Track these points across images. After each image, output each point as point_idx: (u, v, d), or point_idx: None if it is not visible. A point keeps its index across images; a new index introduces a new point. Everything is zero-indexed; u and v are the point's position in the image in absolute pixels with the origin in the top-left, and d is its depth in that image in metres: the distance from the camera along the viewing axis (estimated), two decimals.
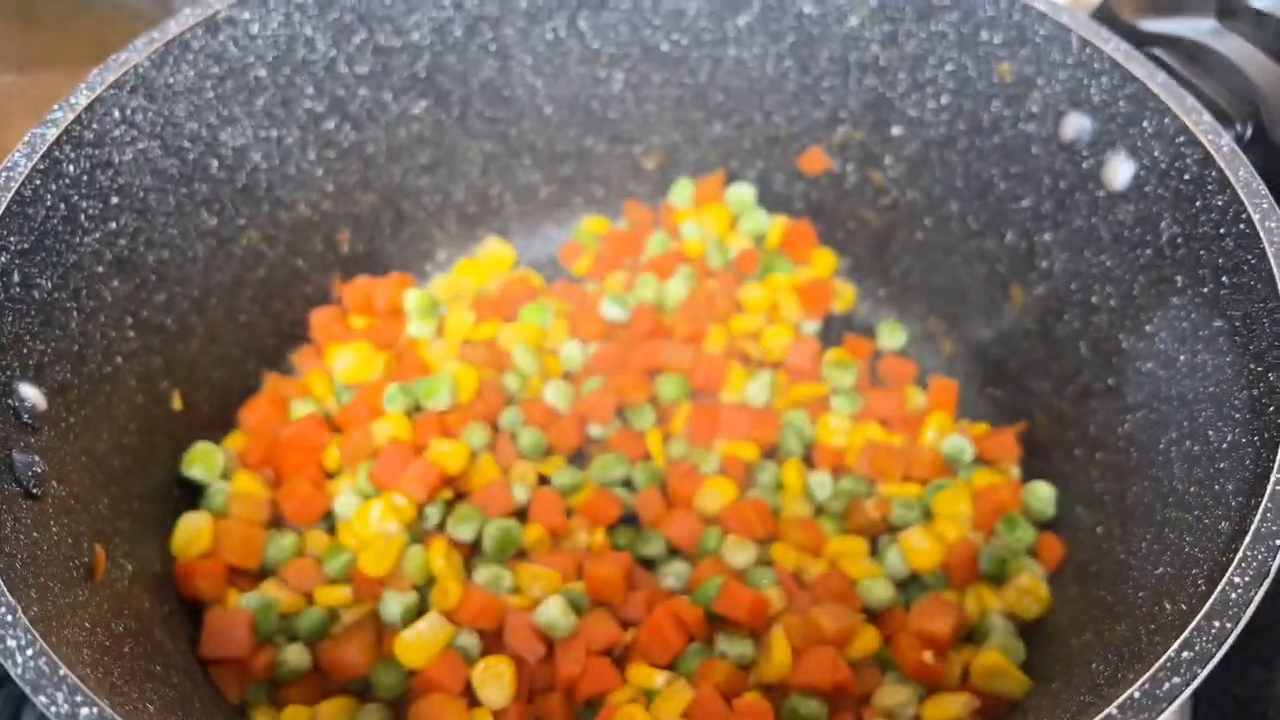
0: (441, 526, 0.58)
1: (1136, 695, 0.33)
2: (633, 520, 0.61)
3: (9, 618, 0.34)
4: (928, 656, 0.51)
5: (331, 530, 0.58)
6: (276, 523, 0.58)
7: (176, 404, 0.58)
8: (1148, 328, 0.53)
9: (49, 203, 0.48)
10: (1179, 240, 0.51)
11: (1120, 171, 0.54)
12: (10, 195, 0.46)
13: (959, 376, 0.67)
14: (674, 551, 0.59)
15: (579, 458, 0.64)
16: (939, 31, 0.61)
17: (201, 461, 0.57)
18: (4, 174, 0.47)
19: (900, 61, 0.63)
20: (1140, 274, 0.53)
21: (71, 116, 0.50)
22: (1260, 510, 0.37)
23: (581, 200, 0.76)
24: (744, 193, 0.72)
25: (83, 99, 0.50)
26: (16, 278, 0.46)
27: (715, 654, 0.52)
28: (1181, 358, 0.50)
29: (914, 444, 0.61)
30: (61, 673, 0.33)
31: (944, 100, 0.63)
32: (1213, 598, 0.35)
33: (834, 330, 0.71)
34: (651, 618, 0.53)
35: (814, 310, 0.69)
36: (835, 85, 0.67)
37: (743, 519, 0.57)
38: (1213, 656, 0.33)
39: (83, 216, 0.50)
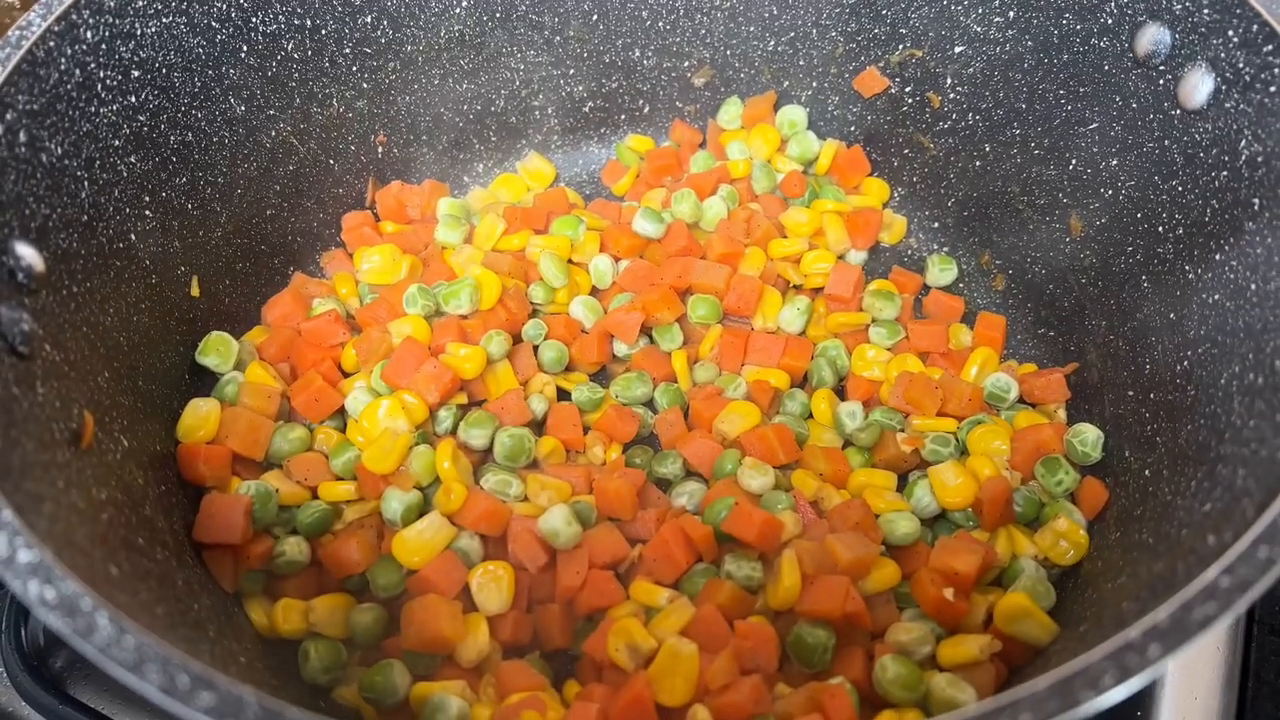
0: (454, 432, 0.56)
1: (1163, 621, 0.29)
2: (651, 441, 0.59)
3: None
4: (948, 594, 0.48)
5: (342, 429, 0.56)
6: (287, 417, 0.56)
7: (195, 291, 0.57)
8: (1218, 256, 0.48)
9: (63, 67, 0.47)
10: (1259, 159, 0.46)
11: (1199, 88, 0.49)
12: (21, 53, 0.45)
13: (1010, 315, 0.63)
14: (691, 474, 0.56)
15: (602, 375, 0.62)
16: None
17: (216, 350, 0.56)
18: (17, 32, 0.46)
19: None
20: (1214, 199, 0.49)
21: None
22: None
23: (626, 117, 0.73)
24: (795, 115, 0.69)
25: None
26: (23, 137, 0.45)
27: (722, 575, 0.49)
28: (1253, 286, 0.45)
29: (954, 379, 0.57)
30: (5, 515, 0.31)
31: (1011, 14, 0.58)
32: (1261, 524, 0.31)
33: (882, 262, 0.68)
34: (659, 534, 0.50)
35: (861, 240, 0.65)
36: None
37: (764, 444, 0.54)
38: (1254, 584, 0.30)
39: (99, 86, 0.49)
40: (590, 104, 0.72)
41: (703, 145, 0.71)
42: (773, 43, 0.68)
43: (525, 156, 0.72)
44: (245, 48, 0.57)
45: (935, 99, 0.64)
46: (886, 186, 0.69)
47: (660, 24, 0.69)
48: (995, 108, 0.61)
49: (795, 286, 0.64)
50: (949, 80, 0.63)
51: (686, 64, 0.70)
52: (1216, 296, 0.48)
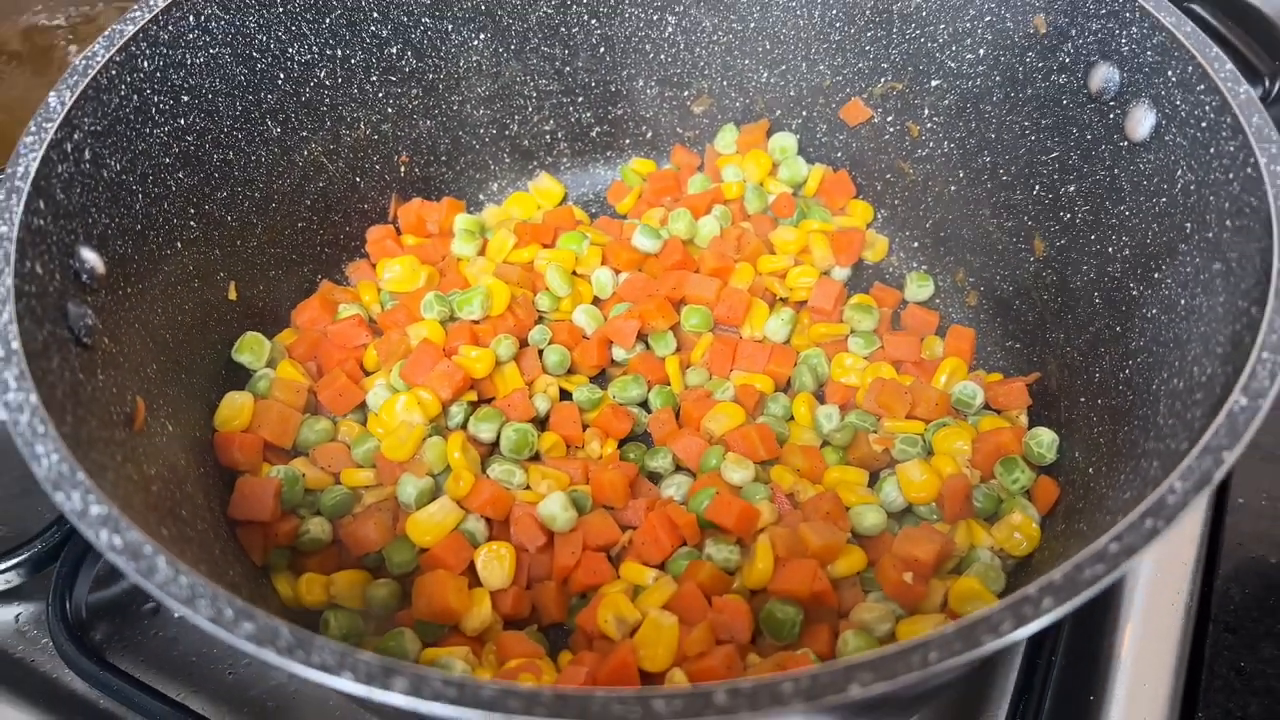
0: (464, 426, 0.61)
1: (1057, 579, 0.34)
2: (645, 438, 0.64)
3: (40, 429, 0.38)
4: (907, 577, 0.53)
5: (363, 422, 0.62)
6: (314, 409, 0.62)
7: (232, 294, 0.63)
8: (1156, 275, 0.53)
9: (123, 92, 0.53)
10: (1191, 187, 0.51)
11: (1143, 122, 0.54)
12: (87, 80, 0.51)
13: (981, 328, 0.68)
14: (680, 468, 0.61)
15: (601, 377, 0.67)
16: None
17: (250, 349, 0.62)
18: (84, 61, 0.51)
19: (940, 12, 0.65)
20: (1154, 223, 0.54)
21: (149, 16, 0.54)
22: (1214, 427, 0.38)
23: (631, 141, 0.79)
24: (786, 141, 0.74)
25: (160, 1, 0.55)
26: (88, 155, 0.51)
27: (703, 557, 0.55)
28: (1182, 301, 0.50)
29: (924, 385, 0.63)
30: (79, 476, 0.37)
31: (981, 52, 0.64)
32: (1150, 499, 0.36)
33: (865, 279, 0.73)
34: (647, 520, 0.56)
35: (844, 257, 0.71)
36: (878, 36, 0.68)
37: (746, 441, 0.59)
38: (1138, 549, 0.35)
39: (154, 110, 0.55)
40: (597, 129, 0.78)
41: (700, 168, 0.77)
42: (766, 75, 0.74)
43: (537, 177, 0.78)
44: (282, 75, 0.63)
45: (914, 128, 0.70)
46: (870, 208, 0.74)
47: (662, 56, 0.74)
48: (968, 137, 0.66)
49: (781, 299, 0.69)
50: (926, 111, 0.68)
51: (686, 93, 0.76)
52: (1154, 311, 0.53)
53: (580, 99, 0.76)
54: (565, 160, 0.79)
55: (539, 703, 0.31)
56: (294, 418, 0.59)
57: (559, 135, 0.77)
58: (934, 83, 0.67)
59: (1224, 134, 0.49)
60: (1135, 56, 0.55)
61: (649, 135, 0.78)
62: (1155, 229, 0.54)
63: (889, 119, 0.71)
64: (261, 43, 0.61)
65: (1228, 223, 0.48)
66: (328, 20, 0.64)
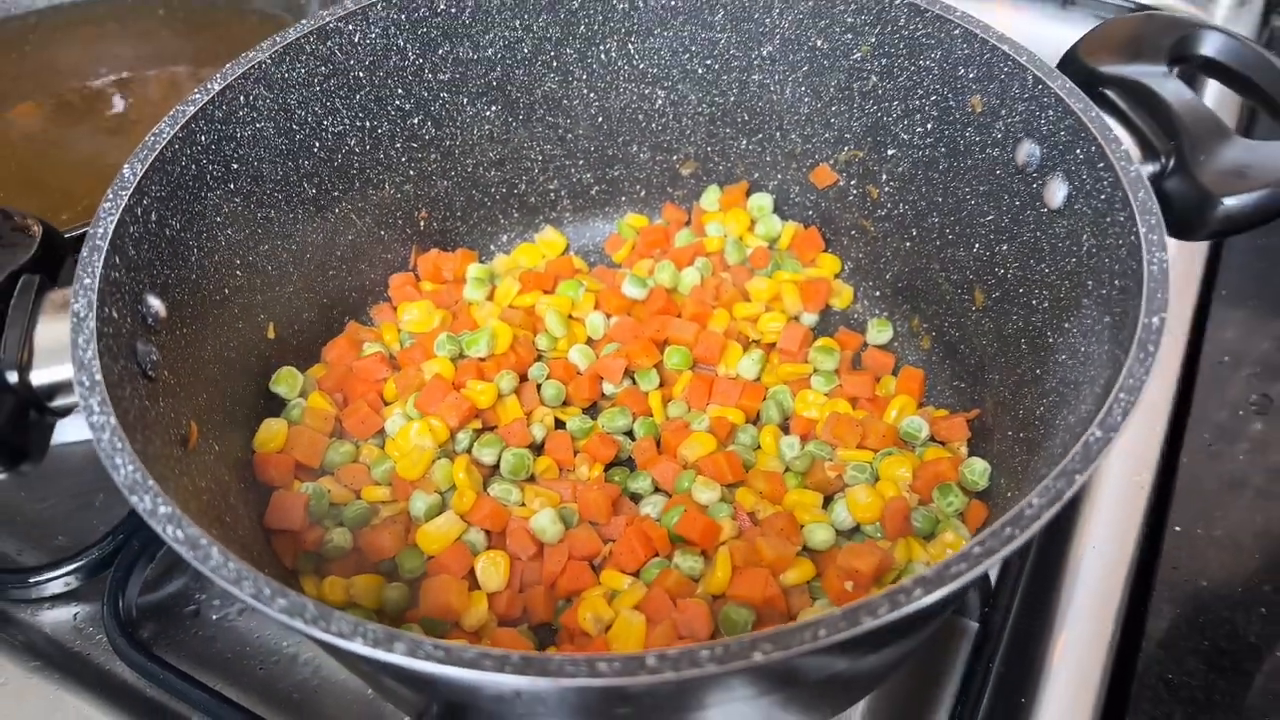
0: (469, 450, 0.70)
1: (929, 575, 0.42)
2: (629, 463, 0.72)
3: (119, 445, 0.47)
4: (849, 586, 0.61)
5: (381, 445, 0.71)
6: (339, 434, 0.71)
7: (271, 334, 0.72)
8: (1066, 324, 0.61)
9: (183, 163, 0.62)
10: (1093, 250, 0.59)
11: (1058, 192, 0.63)
12: (155, 154, 0.60)
13: (932, 369, 0.76)
14: (658, 490, 0.70)
15: (592, 409, 0.76)
16: (925, 66, 0.71)
17: (286, 382, 0.71)
18: (154, 138, 0.61)
19: (894, 91, 0.73)
20: (1066, 279, 0.62)
21: (206, 98, 0.64)
22: (1071, 453, 0.46)
23: (626, 199, 0.88)
24: (763, 201, 0.83)
25: (216, 85, 0.65)
26: (154, 217, 0.60)
27: (671, 566, 0.63)
28: (1082, 349, 0.58)
29: (875, 419, 0.71)
30: (150, 483, 0.46)
31: (929, 126, 0.72)
32: (1010, 513, 0.44)
33: (831, 324, 0.81)
34: (625, 533, 0.64)
35: (812, 304, 0.79)
36: (841, 110, 0.77)
37: (716, 466, 0.68)
38: (997, 551, 0.43)
39: (208, 176, 0.65)
40: (596, 188, 0.87)
41: (688, 223, 0.86)
42: (745, 142, 0.83)
43: (542, 230, 0.87)
44: (317, 144, 0.73)
45: (874, 191, 0.78)
46: (838, 261, 0.82)
47: (654, 125, 0.83)
48: (919, 200, 0.75)
49: (754, 341, 0.78)
50: (884, 176, 0.77)
51: (675, 157, 0.85)
52: (1063, 357, 0.61)
53: (581, 162, 0.85)
54: (568, 215, 0.88)
55: (508, 662, 0.39)
56: (322, 441, 0.68)
57: (562, 193, 0.87)
58: (890, 152, 0.76)
59: (1117, 205, 0.57)
60: (1052, 135, 0.63)
61: (642, 194, 0.87)
62: (1066, 285, 0.62)
63: (852, 183, 0.80)
64: (300, 117, 0.71)
65: (1116, 282, 0.56)
66: (358, 96, 0.74)
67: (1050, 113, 0.63)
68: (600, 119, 0.83)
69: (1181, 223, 0.60)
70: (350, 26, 0.71)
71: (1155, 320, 0.50)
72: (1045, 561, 0.71)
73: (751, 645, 0.39)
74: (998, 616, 0.69)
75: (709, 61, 0.79)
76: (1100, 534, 0.72)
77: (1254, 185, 0.59)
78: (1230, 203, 0.58)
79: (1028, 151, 0.65)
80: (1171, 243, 0.55)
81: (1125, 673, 0.68)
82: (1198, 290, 0.88)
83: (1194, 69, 0.67)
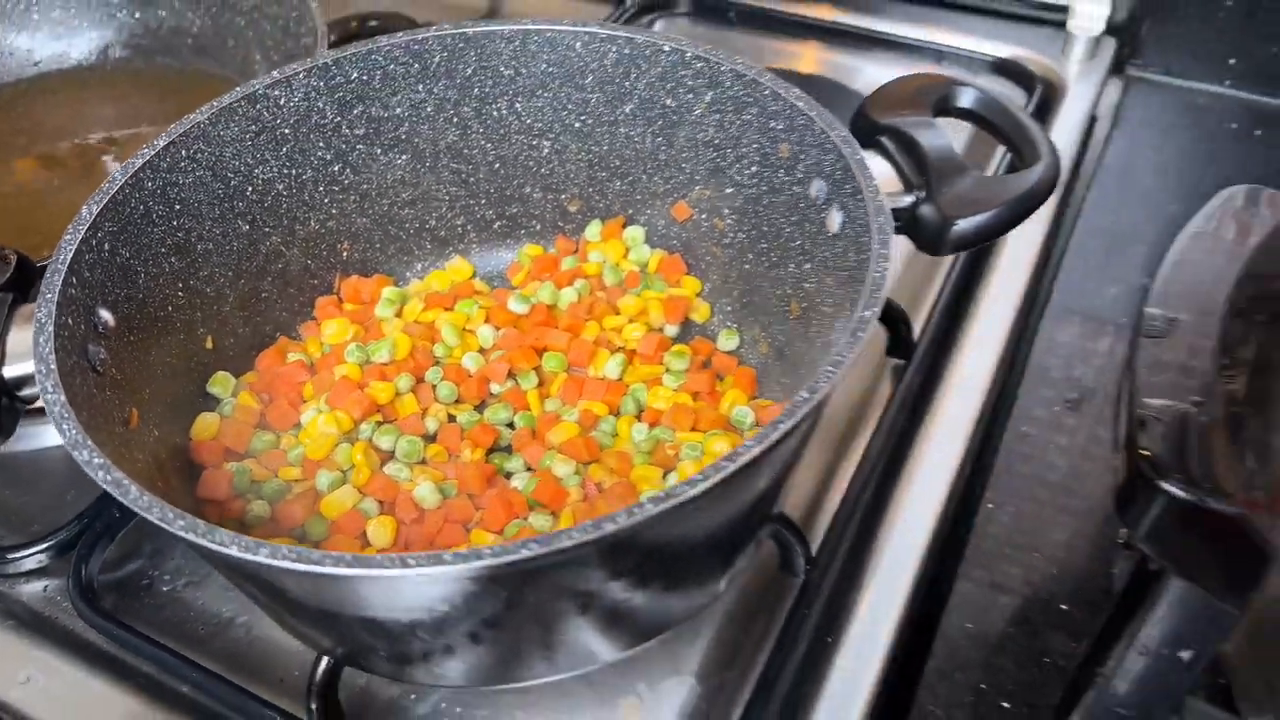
0: (370, 438, 0.84)
1: (662, 497, 0.56)
2: (509, 449, 0.87)
3: (66, 415, 0.61)
4: None
5: (297, 435, 0.85)
6: (263, 426, 0.86)
7: (209, 345, 0.86)
8: (836, 325, 0.76)
9: (133, 204, 0.77)
10: (856, 265, 0.74)
11: (836, 219, 0.77)
12: (109, 196, 0.75)
13: (768, 369, 0.90)
14: (529, 469, 0.84)
15: (481, 407, 0.90)
16: (747, 120, 0.86)
17: (220, 384, 0.85)
18: (108, 184, 0.76)
19: (727, 140, 0.88)
20: (842, 288, 0.76)
21: (153, 152, 0.79)
22: (785, 409, 0.60)
23: (524, 232, 1.02)
24: (636, 233, 0.98)
25: (161, 142, 0.80)
26: (107, 247, 0.74)
27: (526, 524, 0.77)
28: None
29: (711, 409, 0.85)
30: (89, 442, 0.60)
31: (753, 169, 0.87)
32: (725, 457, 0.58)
33: (692, 334, 0.96)
34: (492, 500, 0.78)
35: (673, 318, 0.93)
36: (689, 156, 0.92)
37: (574, 447, 0.82)
38: (709, 478, 0.56)
39: (155, 215, 0.79)
40: (498, 223, 1.02)
41: (575, 252, 1.01)
42: (619, 184, 0.98)
43: (452, 259, 1.02)
44: (250, 189, 0.88)
45: (719, 223, 0.93)
46: (698, 282, 0.97)
47: (542, 170, 0.99)
48: (751, 229, 0.90)
49: (619, 348, 0.92)
50: (726, 210, 0.92)
51: (563, 196, 1.00)
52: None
53: (483, 201, 1.00)
54: (474, 246, 1.03)
55: (345, 563, 0.53)
56: (248, 432, 0.83)
57: (468, 228, 1.02)
58: (728, 190, 0.91)
59: (866, 228, 0.72)
60: (832, 174, 0.77)
61: (538, 227, 1.02)
62: (840, 294, 0.76)
63: (703, 216, 0.94)
64: (234, 166, 0.86)
65: (862, 289, 0.71)
66: (284, 149, 0.89)
67: (830, 156, 0.78)
68: (497, 165, 0.98)
69: (928, 241, 0.75)
70: (276, 92, 0.87)
71: (868, 313, 0.64)
72: (865, 529, 0.85)
73: (521, 545, 0.53)
74: (817, 574, 0.83)
75: (584, 117, 0.95)
76: (913, 510, 0.85)
77: (980, 209, 0.73)
78: (961, 224, 0.73)
79: (818, 187, 0.80)
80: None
81: (931, 622, 0.82)
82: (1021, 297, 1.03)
83: (955, 118, 0.83)
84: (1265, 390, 0.61)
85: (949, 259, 1.08)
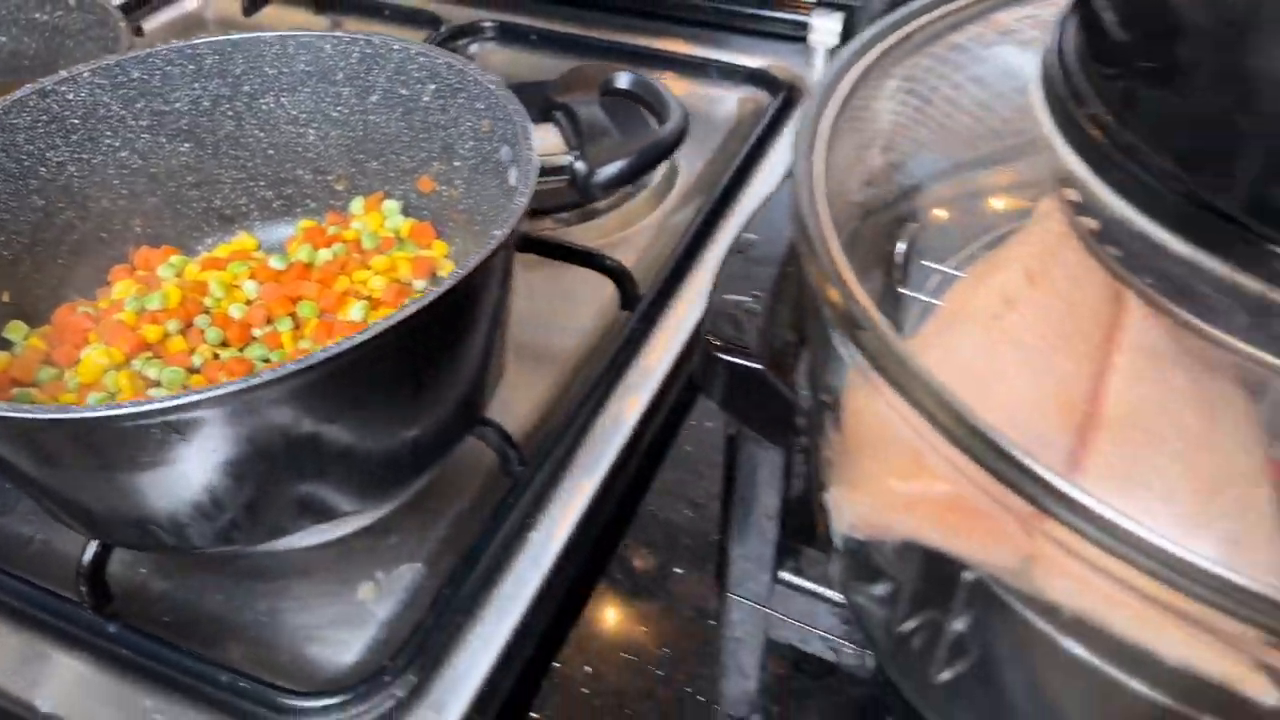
0: (140, 370, 1.00)
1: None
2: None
3: None
4: None
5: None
6: (50, 364, 1.01)
7: (6, 298, 1.02)
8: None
9: None
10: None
11: (513, 176, 0.96)
12: None
13: None
14: None
15: (243, 350, 1.06)
16: (461, 103, 1.04)
17: (14, 331, 1.01)
18: None
19: (451, 120, 1.07)
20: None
21: None
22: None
23: (300, 209, 1.19)
24: (392, 205, 1.16)
25: None
26: None
27: None
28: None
29: None
30: None
31: (470, 143, 1.06)
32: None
33: None
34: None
35: (420, 274, 1.11)
36: (428, 136, 1.10)
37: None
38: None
39: None
40: (277, 202, 1.19)
41: (342, 224, 1.18)
42: (375, 164, 1.15)
43: (238, 235, 1.19)
44: (43, 169, 1.04)
45: (454, 192, 1.11)
46: (445, 245, 1.15)
47: (310, 154, 1.16)
48: (477, 195, 1.08)
49: (366, 297, 1.09)
50: (457, 181, 1.10)
51: (330, 177, 1.17)
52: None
53: (262, 183, 1.17)
54: (258, 223, 1.19)
55: (48, 412, 0.69)
56: (35, 367, 0.98)
57: (251, 207, 1.18)
58: (456, 163, 1.09)
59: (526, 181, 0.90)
60: (512, 141, 0.96)
61: (311, 205, 1.19)
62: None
63: (443, 187, 1.13)
64: (28, 150, 1.02)
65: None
66: (74, 136, 1.06)
67: (512, 126, 0.96)
68: (270, 151, 1.16)
69: (581, 188, 0.94)
70: (64, 88, 1.04)
71: (499, 232, 0.82)
72: (574, 441, 1.02)
73: (194, 391, 0.70)
74: (526, 472, 1.00)
75: (339, 108, 1.13)
76: (617, 421, 1.03)
77: (617, 158, 0.92)
78: (601, 171, 0.92)
79: (505, 152, 0.98)
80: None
81: (634, 505, 1.00)
82: None
83: (616, 96, 1.02)
84: (792, 286, 0.80)
85: (680, 228, 1.27)
